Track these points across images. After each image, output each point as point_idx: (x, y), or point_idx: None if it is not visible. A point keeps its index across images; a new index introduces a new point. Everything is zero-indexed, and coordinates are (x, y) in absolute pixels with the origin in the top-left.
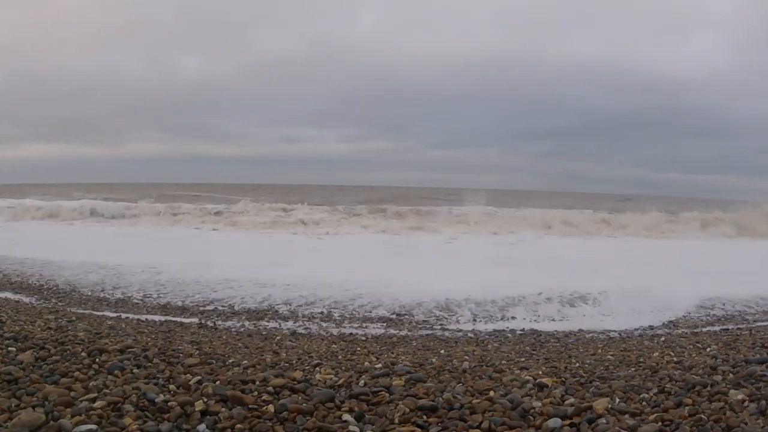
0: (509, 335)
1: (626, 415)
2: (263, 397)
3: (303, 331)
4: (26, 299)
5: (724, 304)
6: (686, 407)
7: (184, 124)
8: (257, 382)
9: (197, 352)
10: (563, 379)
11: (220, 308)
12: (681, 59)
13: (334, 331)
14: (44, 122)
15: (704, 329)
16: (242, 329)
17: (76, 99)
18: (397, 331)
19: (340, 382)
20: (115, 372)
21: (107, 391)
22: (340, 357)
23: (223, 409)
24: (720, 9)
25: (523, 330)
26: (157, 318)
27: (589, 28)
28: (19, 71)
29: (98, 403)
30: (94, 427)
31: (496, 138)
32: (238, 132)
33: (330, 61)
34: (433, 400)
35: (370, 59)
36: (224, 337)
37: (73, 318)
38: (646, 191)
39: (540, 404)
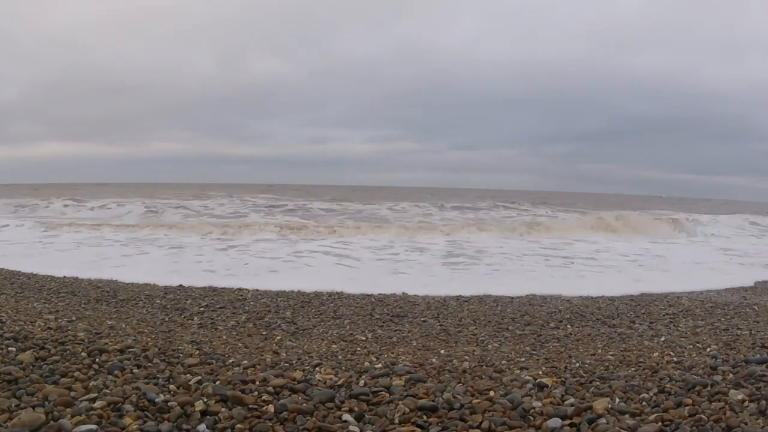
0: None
1: (626, 415)
2: (263, 397)
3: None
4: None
5: None
6: (686, 407)
7: (218, 125)
8: (257, 382)
9: (197, 352)
10: (563, 379)
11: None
12: (729, 76)
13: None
14: (76, 121)
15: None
16: (242, 329)
17: (124, 97)
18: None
19: (340, 382)
20: (115, 372)
21: (107, 391)
22: (340, 357)
23: (223, 409)
24: None
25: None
26: (157, 318)
27: (658, 46)
28: (75, 66)
29: (98, 403)
30: (94, 427)
31: (523, 140)
32: (267, 132)
33: (402, 66)
34: (433, 400)
35: (444, 65)
36: (224, 337)
37: (73, 318)
38: (657, 191)
39: (540, 404)
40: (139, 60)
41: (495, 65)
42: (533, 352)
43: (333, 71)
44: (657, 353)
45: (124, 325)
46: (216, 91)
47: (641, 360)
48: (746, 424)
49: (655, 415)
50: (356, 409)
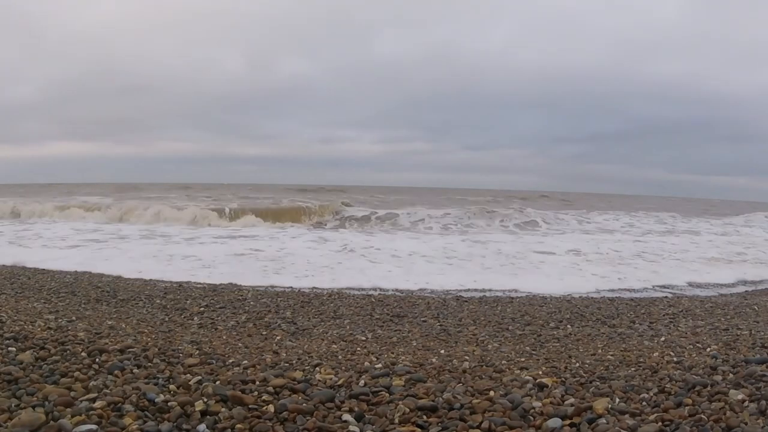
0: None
1: (626, 415)
2: (263, 397)
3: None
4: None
5: None
6: (686, 407)
7: (233, 125)
8: (257, 382)
9: (197, 352)
10: (563, 379)
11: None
12: (749, 82)
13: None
14: (91, 120)
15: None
16: (242, 329)
17: (145, 97)
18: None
19: (340, 382)
20: (115, 372)
21: (107, 391)
22: (340, 357)
23: (223, 409)
24: None
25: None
26: (157, 318)
27: (680, 52)
28: (99, 66)
29: (98, 403)
30: (94, 427)
31: (534, 141)
32: (279, 133)
33: (431, 69)
34: (433, 400)
35: (474, 70)
36: (224, 337)
37: (73, 318)
38: (661, 192)
39: (540, 404)
40: (168, 60)
41: (523, 70)
42: (533, 352)
43: (361, 73)
44: (657, 353)
45: (124, 325)
46: (241, 92)
47: (641, 360)
48: (746, 424)
49: (655, 415)
50: (356, 409)
